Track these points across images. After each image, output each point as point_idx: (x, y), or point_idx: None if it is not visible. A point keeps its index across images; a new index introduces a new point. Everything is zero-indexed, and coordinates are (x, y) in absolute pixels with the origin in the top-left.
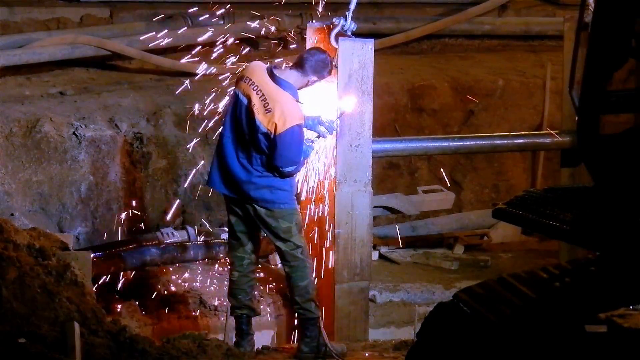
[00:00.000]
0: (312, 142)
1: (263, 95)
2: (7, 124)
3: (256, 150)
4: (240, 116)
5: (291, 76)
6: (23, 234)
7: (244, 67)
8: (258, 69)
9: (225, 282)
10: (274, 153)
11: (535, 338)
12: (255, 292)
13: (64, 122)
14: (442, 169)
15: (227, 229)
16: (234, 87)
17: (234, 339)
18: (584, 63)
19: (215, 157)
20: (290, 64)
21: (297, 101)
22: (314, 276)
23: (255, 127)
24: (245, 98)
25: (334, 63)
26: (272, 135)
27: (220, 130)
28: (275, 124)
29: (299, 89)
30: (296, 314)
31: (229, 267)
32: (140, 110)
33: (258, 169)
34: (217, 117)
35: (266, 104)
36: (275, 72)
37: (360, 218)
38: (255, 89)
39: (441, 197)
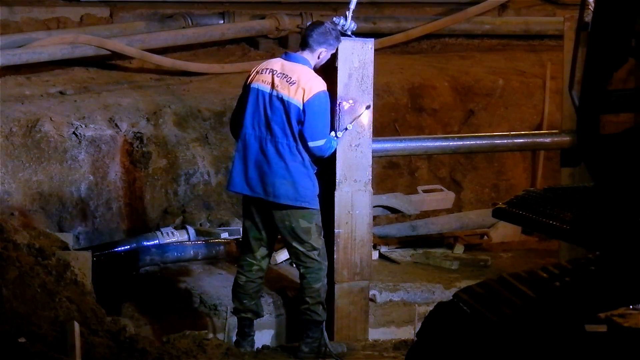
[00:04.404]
0: (336, 137)
1: (283, 73)
2: (7, 123)
3: (284, 135)
4: (265, 106)
5: (303, 55)
6: (23, 233)
7: (257, 64)
8: (272, 60)
9: (226, 282)
10: (303, 126)
11: (535, 338)
12: (261, 296)
13: (64, 122)
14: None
15: (228, 228)
16: (248, 85)
17: (234, 339)
18: (584, 63)
19: (238, 159)
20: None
21: None
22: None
23: (285, 105)
24: (267, 86)
25: (337, 30)
26: (301, 106)
27: (240, 131)
28: (303, 90)
29: (315, 67)
30: (301, 314)
31: (237, 268)
32: (140, 109)
33: (284, 159)
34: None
35: (289, 78)
36: (289, 53)
37: (360, 218)
38: (274, 73)
39: (441, 197)
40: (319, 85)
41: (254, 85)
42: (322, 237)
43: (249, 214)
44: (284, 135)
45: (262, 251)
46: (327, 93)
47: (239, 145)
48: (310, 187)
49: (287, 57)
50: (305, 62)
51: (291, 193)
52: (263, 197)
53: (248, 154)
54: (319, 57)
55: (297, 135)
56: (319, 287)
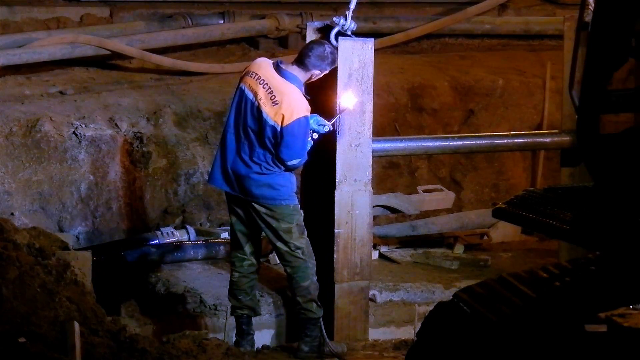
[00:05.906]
0: (311, 139)
1: (270, 88)
2: (7, 123)
3: (260, 145)
4: (246, 111)
5: (295, 70)
6: (23, 233)
7: (249, 63)
8: (264, 63)
9: (226, 282)
10: (279, 146)
11: (535, 338)
12: (256, 292)
13: (64, 122)
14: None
15: (228, 228)
16: (239, 83)
17: (234, 339)
18: (584, 63)
19: (218, 154)
20: (294, 59)
21: (304, 95)
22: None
23: (262, 120)
24: (252, 93)
25: (336, 54)
26: (279, 128)
27: (224, 126)
28: (283, 115)
29: (305, 82)
30: (297, 314)
31: (230, 266)
32: (140, 109)
33: (259, 164)
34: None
35: (273, 97)
36: (281, 65)
37: (360, 218)
38: (261, 82)
39: (441, 197)
40: (300, 110)
41: (243, 86)
42: (304, 236)
43: (232, 209)
44: (259, 145)
45: (250, 245)
46: (308, 117)
47: (221, 139)
48: (287, 184)
49: (279, 70)
50: (295, 80)
51: (268, 194)
52: (242, 196)
53: (227, 152)
54: (310, 78)
55: (271, 149)
56: (308, 285)
